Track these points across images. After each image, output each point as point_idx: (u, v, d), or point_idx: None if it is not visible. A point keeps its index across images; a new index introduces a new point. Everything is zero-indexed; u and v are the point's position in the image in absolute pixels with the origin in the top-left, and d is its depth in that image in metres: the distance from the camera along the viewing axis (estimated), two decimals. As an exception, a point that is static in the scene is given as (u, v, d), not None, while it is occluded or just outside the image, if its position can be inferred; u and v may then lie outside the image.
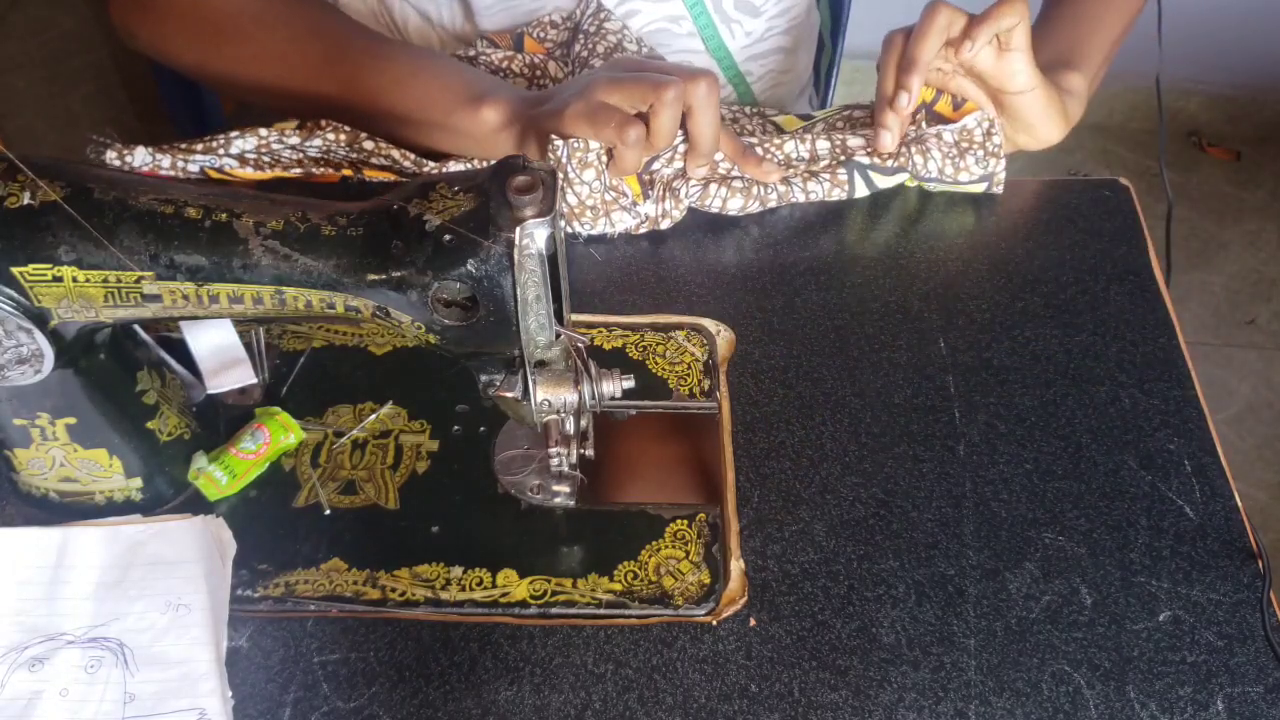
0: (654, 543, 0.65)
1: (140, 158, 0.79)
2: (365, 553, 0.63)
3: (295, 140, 0.82)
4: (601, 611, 0.61)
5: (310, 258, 0.53)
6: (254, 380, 0.69)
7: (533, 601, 0.62)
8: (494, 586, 0.62)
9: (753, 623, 0.61)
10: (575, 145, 0.74)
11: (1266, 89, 2.17)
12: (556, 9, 0.90)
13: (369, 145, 0.82)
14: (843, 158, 0.82)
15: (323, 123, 0.82)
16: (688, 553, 0.64)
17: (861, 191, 0.81)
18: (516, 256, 0.51)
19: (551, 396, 0.58)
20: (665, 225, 0.80)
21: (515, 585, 0.62)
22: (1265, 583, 0.62)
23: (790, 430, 0.70)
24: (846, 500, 0.66)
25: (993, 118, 0.81)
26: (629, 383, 0.60)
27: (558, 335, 0.56)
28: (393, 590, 0.62)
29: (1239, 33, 2.07)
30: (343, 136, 0.82)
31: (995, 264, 0.79)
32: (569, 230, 0.78)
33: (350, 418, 0.70)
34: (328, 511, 0.65)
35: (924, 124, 0.83)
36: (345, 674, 0.59)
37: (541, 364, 0.57)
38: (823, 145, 0.83)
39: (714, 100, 0.73)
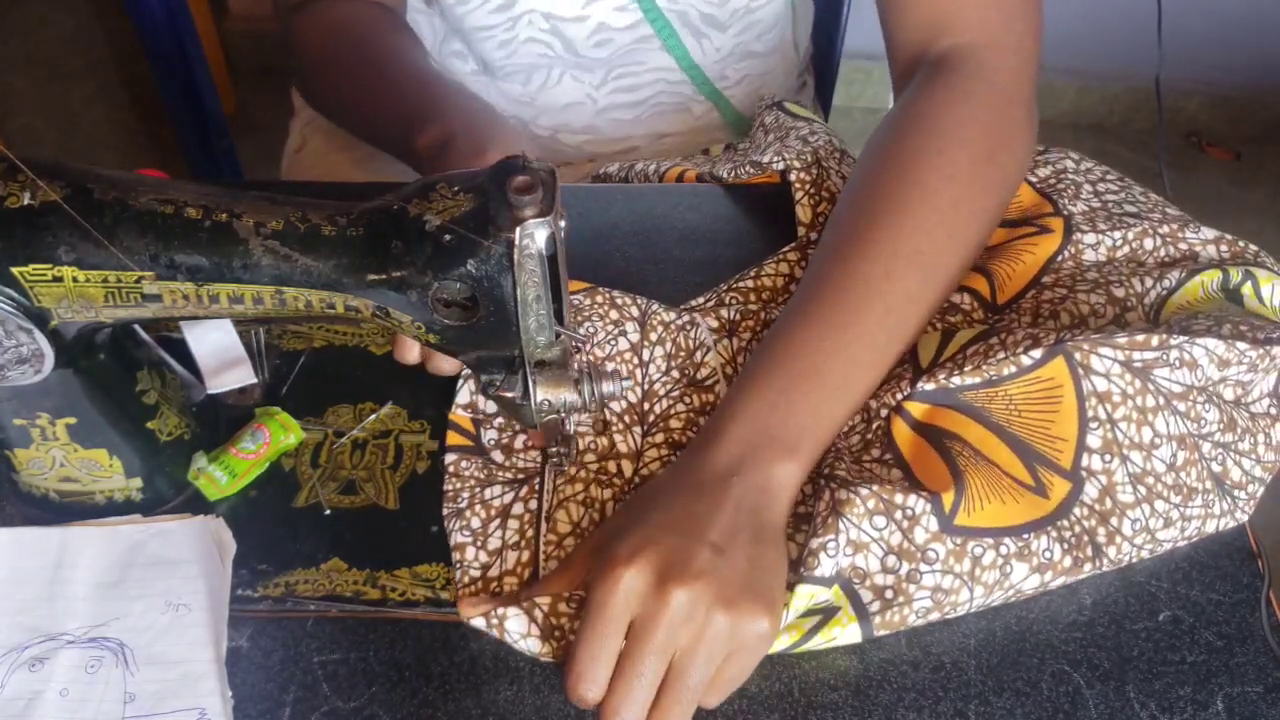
0: (654, 543, 0.64)
1: None
2: (365, 553, 0.63)
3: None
4: (601, 611, 0.61)
5: (310, 258, 0.53)
6: (254, 380, 0.69)
7: (533, 601, 0.61)
8: (494, 586, 0.62)
9: (753, 623, 0.61)
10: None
11: (1266, 89, 2.17)
12: None
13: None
14: None
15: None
16: (688, 553, 0.64)
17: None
18: (516, 256, 0.51)
19: (551, 396, 0.58)
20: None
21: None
22: (1265, 583, 0.62)
23: (790, 430, 0.69)
24: (846, 500, 0.66)
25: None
26: (629, 382, 0.60)
27: (558, 335, 0.56)
28: (393, 590, 0.62)
29: (1239, 33, 2.07)
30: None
31: (995, 264, 0.79)
32: None
33: (350, 418, 0.70)
34: (328, 511, 0.65)
35: None
36: (345, 674, 0.59)
37: (541, 364, 0.57)
38: None
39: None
